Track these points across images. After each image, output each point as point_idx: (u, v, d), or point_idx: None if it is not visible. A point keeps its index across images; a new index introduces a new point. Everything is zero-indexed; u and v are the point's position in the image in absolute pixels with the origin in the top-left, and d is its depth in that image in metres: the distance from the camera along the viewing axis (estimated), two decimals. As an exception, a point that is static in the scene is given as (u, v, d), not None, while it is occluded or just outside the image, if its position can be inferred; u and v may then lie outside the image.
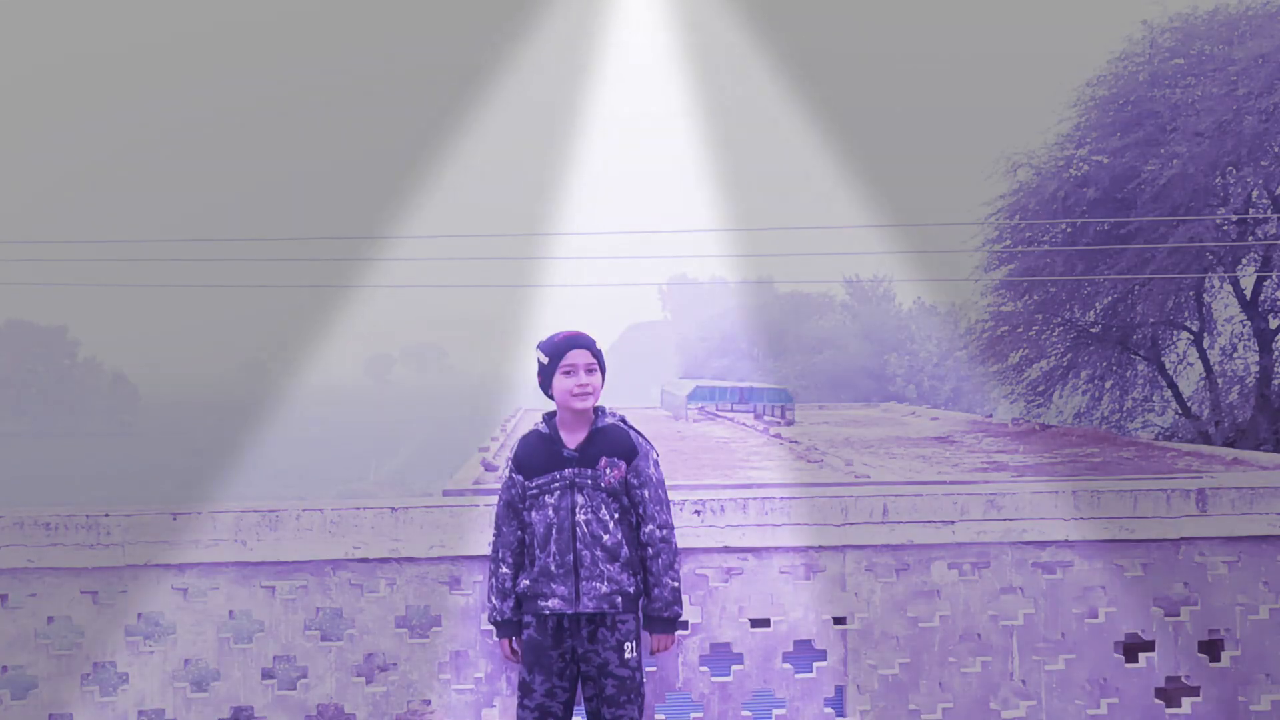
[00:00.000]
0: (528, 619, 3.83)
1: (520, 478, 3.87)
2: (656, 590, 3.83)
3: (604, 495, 3.80)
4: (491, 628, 4.02)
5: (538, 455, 3.87)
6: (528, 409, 22.90)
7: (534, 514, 3.82)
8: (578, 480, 3.80)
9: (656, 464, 3.93)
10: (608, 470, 3.81)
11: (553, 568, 3.76)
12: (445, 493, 10.35)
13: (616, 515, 3.81)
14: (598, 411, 3.91)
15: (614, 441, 3.86)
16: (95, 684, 4.09)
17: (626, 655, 3.80)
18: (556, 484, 3.81)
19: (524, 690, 3.81)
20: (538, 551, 3.79)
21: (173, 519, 4.09)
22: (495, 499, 3.99)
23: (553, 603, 3.76)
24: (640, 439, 3.93)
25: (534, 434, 3.93)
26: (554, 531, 3.77)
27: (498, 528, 3.91)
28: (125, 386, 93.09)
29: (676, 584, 3.86)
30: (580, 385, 3.82)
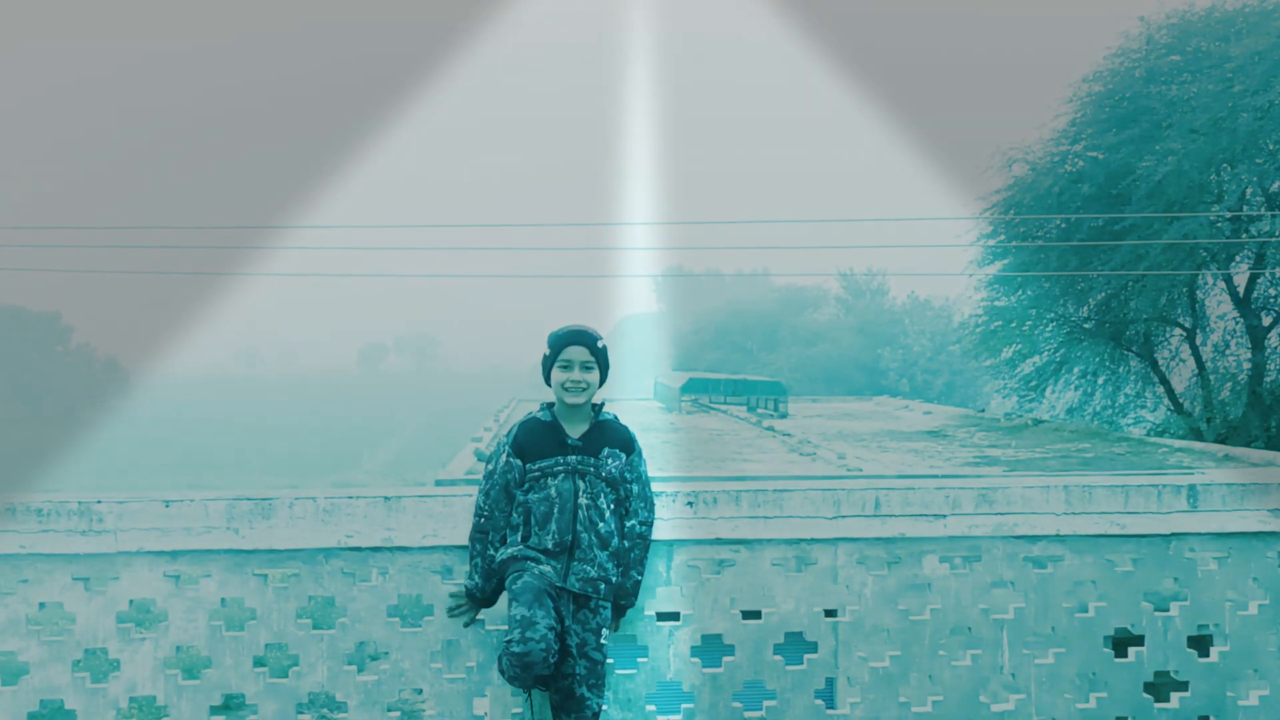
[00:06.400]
0: (518, 572, 3.83)
1: (519, 461, 3.93)
2: (621, 580, 3.97)
3: (604, 484, 3.91)
4: (467, 601, 4.05)
5: (540, 441, 3.95)
6: (521, 399, 22.91)
7: (532, 494, 3.90)
8: (581, 467, 3.90)
9: (645, 462, 4.09)
10: (609, 460, 3.93)
11: (549, 545, 3.84)
12: (438, 482, 10.37)
13: (612, 505, 3.93)
14: (597, 408, 4.02)
15: (615, 435, 4.00)
16: (86, 670, 4.09)
17: (602, 640, 3.90)
18: (560, 468, 3.90)
19: (525, 624, 3.69)
20: (535, 529, 3.87)
21: (164, 506, 4.09)
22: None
23: (544, 568, 3.83)
24: (634, 437, 4.07)
25: (535, 421, 4.00)
26: (556, 511, 3.85)
27: (490, 511, 3.95)
28: (118, 372, 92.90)
29: (640, 578, 4.04)
30: (573, 380, 3.92)
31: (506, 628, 3.84)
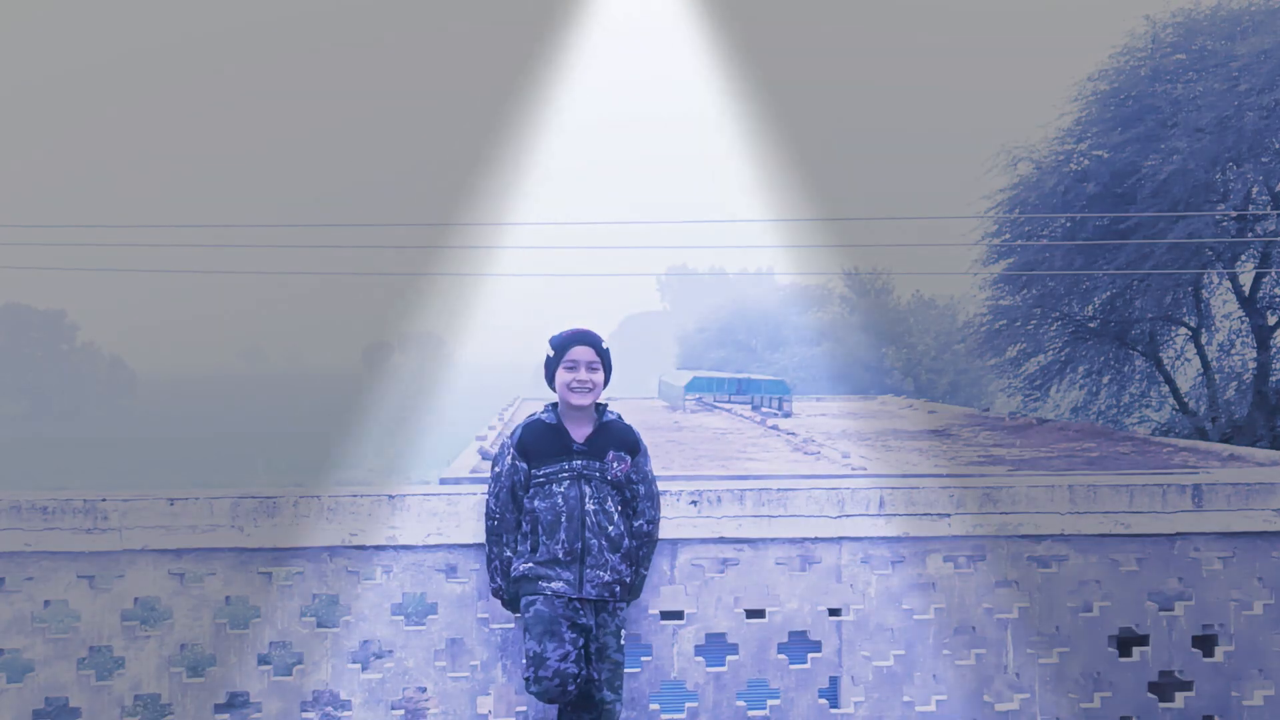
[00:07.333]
0: (531, 597, 3.84)
1: (524, 465, 3.91)
2: (630, 578, 3.96)
3: (609, 488, 3.89)
4: (498, 601, 4.06)
5: (545, 444, 3.93)
6: (525, 398, 22.92)
7: (538, 501, 3.87)
8: (586, 472, 3.88)
9: (650, 460, 4.08)
10: (615, 464, 3.91)
11: (560, 554, 3.81)
12: (442, 481, 10.36)
13: (620, 507, 3.91)
14: (600, 408, 3.99)
15: (619, 437, 3.98)
16: (91, 668, 4.10)
17: (622, 641, 3.89)
18: (565, 474, 3.87)
19: (536, 662, 3.74)
20: (543, 538, 3.84)
21: (170, 504, 4.09)
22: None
23: (557, 585, 3.81)
24: (639, 437, 4.05)
25: (539, 423, 3.98)
26: (564, 519, 3.83)
27: (501, 513, 3.94)
28: (123, 371, 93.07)
29: (645, 574, 4.05)
30: (579, 380, 3.91)
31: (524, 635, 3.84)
